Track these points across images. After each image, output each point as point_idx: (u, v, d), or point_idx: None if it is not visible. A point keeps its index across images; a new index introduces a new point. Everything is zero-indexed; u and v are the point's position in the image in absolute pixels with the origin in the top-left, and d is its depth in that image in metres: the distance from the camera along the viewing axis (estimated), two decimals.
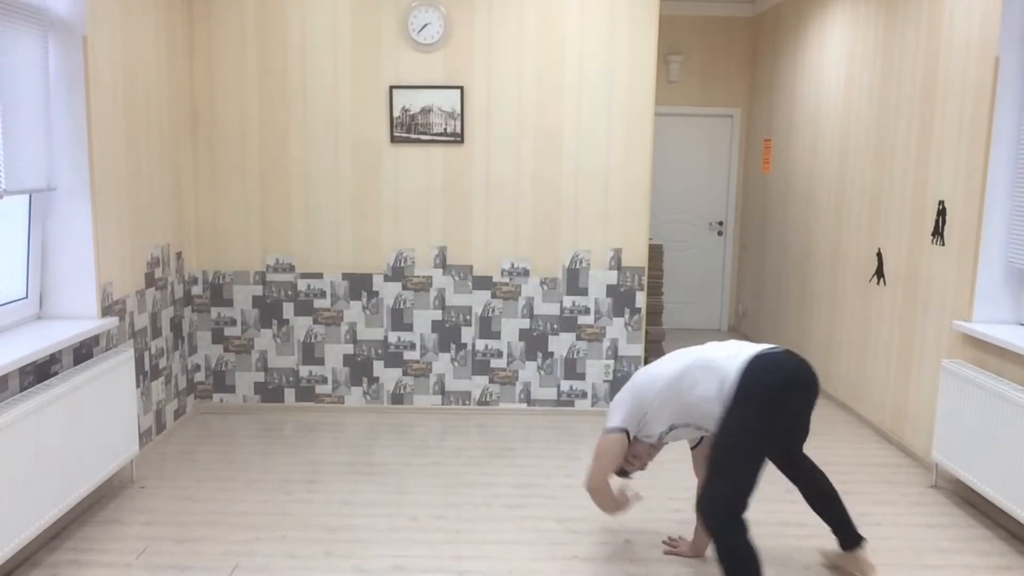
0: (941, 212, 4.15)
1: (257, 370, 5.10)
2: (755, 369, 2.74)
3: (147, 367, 4.32)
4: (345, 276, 5.03)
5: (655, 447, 3.12)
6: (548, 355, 5.10)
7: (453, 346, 5.09)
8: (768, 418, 2.71)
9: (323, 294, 5.04)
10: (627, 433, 3.00)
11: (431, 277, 5.03)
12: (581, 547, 3.36)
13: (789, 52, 6.48)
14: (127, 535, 3.42)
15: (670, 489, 3.94)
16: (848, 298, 5.27)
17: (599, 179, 4.94)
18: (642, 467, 3.18)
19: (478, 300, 5.05)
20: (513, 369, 5.11)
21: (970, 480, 3.66)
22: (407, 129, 4.88)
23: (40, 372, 3.33)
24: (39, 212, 3.64)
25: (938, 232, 4.18)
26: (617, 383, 5.09)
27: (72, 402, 3.30)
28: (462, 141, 4.90)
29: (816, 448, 4.57)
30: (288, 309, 5.05)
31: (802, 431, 2.94)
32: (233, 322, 5.07)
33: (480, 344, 5.09)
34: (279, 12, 4.80)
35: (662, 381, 2.93)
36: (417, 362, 5.10)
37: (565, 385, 5.12)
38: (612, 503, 3.13)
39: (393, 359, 5.10)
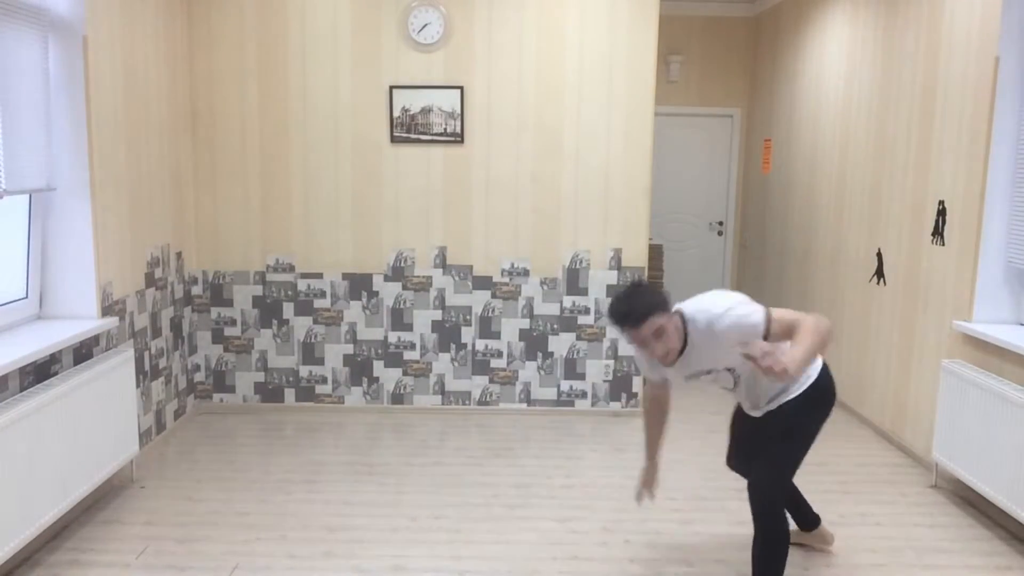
0: (941, 212, 4.15)
1: (257, 370, 5.10)
2: (829, 376, 2.87)
3: (147, 367, 4.32)
4: (345, 276, 5.03)
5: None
6: (548, 355, 5.10)
7: (453, 346, 5.09)
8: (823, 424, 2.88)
9: (323, 294, 5.04)
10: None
11: (431, 277, 5.03)
12: (581, 547, 3.36)
13: (789, 52, 6.48)
14: (127, 535, 3.42)
15: (670, 489, 3.94)
16: (848, 298, 5.27)
17: (599, 179, 4.94)
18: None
19: (478, 300, 5.05)
20: (513, 369, 5.11)
21: (970, 480, 3.66)
22: (407, 129, 4.88)
23: (40, 372, 3.33)
24: (39, 212, 3.64)
25: (938, 232, 4.18)
26: (617, 383, 5.09)
27: (72, 402, 3.30)
28: (462, 141, 4.90)
29: (816, 448, 4.55)
30: (288, 309, 5.05)
31: None
32: (233, 322, 5.06)
33: (480, 344, 5.09)
34: (279, 12, 4.80)
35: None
36: (417, 362, 5.10)
37: (565, 385, 5.12)
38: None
39: (393, 359, 5.10)
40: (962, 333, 3.94)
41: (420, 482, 4.02)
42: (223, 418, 4.97)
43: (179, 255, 4.77)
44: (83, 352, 3.64)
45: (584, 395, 5.12)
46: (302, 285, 5.03)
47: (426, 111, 4.86)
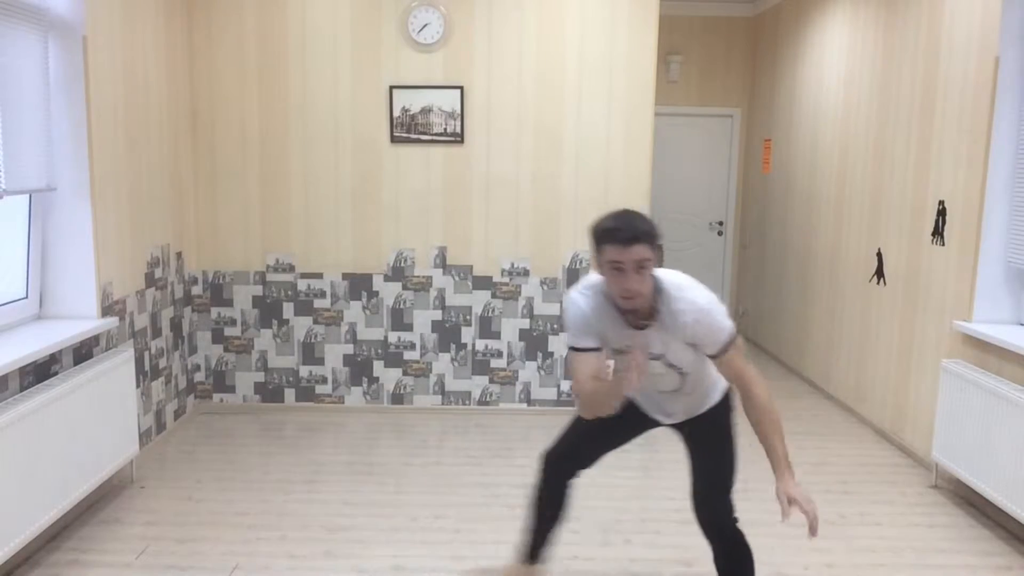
0: (941, 212, 4.15)
1: (257, 370, 5.10)
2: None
3: (147, 367, 4.32)
4: (345, 276, 5.03)
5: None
6: (548, 355, 5.10)
7: (453, 346, 5.09)
8: None
9: (323, 294, 5.04)
10: None
11: (431, 277, 5.03)
12: (581, 547, 3.36)
13: (789, 52, 6.48)
14: (127, 535, 3.42)
15: (671, 489, 3.94)
16: (848, 298, 5.27)
17: (599, 179, 4.94)
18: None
19: (478, 300, 5.05)
20: (513, 369, 5.11)
21: (970, 480, 3.66)
22: (407, 129, 4.88)
23: (40, 372, 3.33)
24: (39, 212, 3.64)
25: (938, 232, 4.18)
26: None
27: (72, 402, 3.30)
28: (462, 141, 4.90)
29: (816, 448, 4.57)
30: (288, 309, 5.05)
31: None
32: (233, 322, 5.07)
33: (480, 344, 5.09)
34: (279, 12, 4.80)
35: None
36: (417, 362, 5.11)
37: (565, 385, 5.12)
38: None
39: (393, 359, 5.10)
40: (962, 333, 3.94)
41: (420, 482, 4.02)
42: (223, 418, 4.97)
43: (179, 255, 4.77)
44: (83, 352, 3.64)
45: None
46: (302, 285, 5.03)
47: (426, 111, 4.86)
